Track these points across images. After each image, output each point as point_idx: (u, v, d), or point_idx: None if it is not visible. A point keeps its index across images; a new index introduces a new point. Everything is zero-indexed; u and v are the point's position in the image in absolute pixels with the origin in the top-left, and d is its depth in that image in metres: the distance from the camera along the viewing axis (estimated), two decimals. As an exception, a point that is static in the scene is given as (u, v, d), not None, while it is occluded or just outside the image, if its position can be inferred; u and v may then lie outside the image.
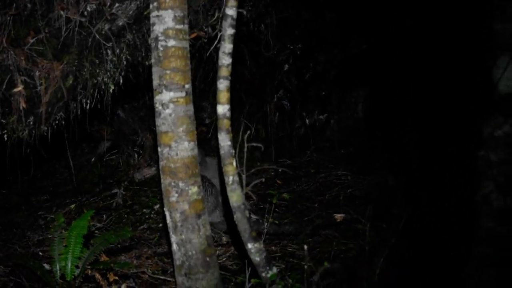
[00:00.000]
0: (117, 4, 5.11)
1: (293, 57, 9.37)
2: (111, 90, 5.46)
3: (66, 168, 8.94)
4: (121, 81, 5.51)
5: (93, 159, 9.01)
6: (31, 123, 4.92)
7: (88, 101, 5.38)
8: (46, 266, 4.86)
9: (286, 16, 8.39)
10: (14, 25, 4.74)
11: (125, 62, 5.40)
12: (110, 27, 5.15)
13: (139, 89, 6.73)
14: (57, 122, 5.14)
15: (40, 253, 5.87)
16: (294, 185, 8.03)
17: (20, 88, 4.72)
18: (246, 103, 9.17)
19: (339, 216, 6.89)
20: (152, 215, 7.32)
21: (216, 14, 5.84)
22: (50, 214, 7.47)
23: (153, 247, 6.19)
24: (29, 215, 7.58)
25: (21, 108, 4.77)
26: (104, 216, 7.21)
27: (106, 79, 5.35)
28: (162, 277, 5.28)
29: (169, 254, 5.63)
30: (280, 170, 8.68)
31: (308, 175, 8.54)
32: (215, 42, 5.59)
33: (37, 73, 4.80)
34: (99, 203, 7.78)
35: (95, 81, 5.28)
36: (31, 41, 4.79)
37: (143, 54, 5.58)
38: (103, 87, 5.39)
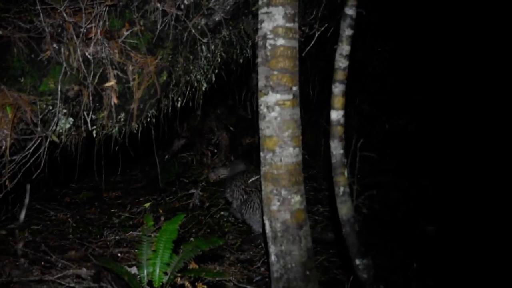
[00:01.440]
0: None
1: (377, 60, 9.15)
2: (203, 88, 5.29)
3: (138, 164, 8.84)
4: (214, 79, 5.32)
5: (166, 157, 8.89)
6: (122, 119, 4.78)
7: (180, 99, 5.21)
8: (132, 270, 4.71)
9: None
10: (109, 16, 4.61)
11: (219, 59, 5.23)
12: (206, 22, 4.99)
13: (229, 87, 6.54)
14: (148, 119, 4.97)
15: (119, 255, 5.75)
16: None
17: (112, 82, 4.59)
18: (325, 105, 8.96)
19: (429, 229, 6.65)
20: (230, 218, 7.15)
21: (314, 13, 5.64)
22: (124, 213, 7.37)
23: (235, 253, 6.04)
24: (102, 212, 7.49)
25: (112, 103, 4.64)
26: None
27: (199, 77, 5.19)
28: (248, 287, 5.06)
29: (253, 261, 5.48)
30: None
31: (388, 182, 8.25)
32: (312, 42, 5.39)
33: (131, 68, 4.66)
34: (175, 203, 7.67)
35: (188, 78, 5.13)
36: (126, 33, 4.66)
37: (238, 52, 5.44)
38: (195, 84, 5.23)
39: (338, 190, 3.78)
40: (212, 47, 5.07)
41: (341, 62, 3.75)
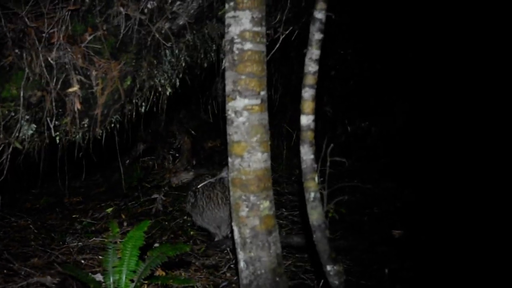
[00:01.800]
0: (178, 2, 4.93)
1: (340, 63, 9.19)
2: (167, 93, 5.25)
3: (99, 169, 8.75)
4: (178, 83, 5.28)
5: (128, 161, 8.81)
6: (86, 125, 4.73)
7: (144, 104, 5.17)
8: (97, 277, 4.65)
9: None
10: (72, 21, 4.57)
11: (183, 64, 5.20)
12: (170, 26, 4.97)
13: (193, 91, 6.50)
14: (112, 125, 4.91)
15: (83, 261, 5.68)
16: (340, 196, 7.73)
17: (75, 88, 4.54)
18: (288, 109, 8.94)
19: (397, 232, 6.67)
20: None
21: (279, 16, 5.64)
22: (86, 218, 7.29)
23: (200, 258, 5.99)
24: (64, 218, 7.39)
25: (75, 109, 4.59)
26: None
27: (163, 81, 5.15)
28: (216, 294, 5.04)
29: (219, 267, 5.46)
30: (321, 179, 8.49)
31: (353, 185, 8.28)
32: (277, 45, 5.39)
33: (94, 73, 4.61)
34: (138, 209, 7.60)
35: (152, 83, 5.09)
36: (89, 38, 4.62)
37: (202, 56, 5.40)
38: (159, 89, 5.18)
39: (308, 196, 3.77)
40: (176, 51, 5.03)
41: (311, 67, 3.74)
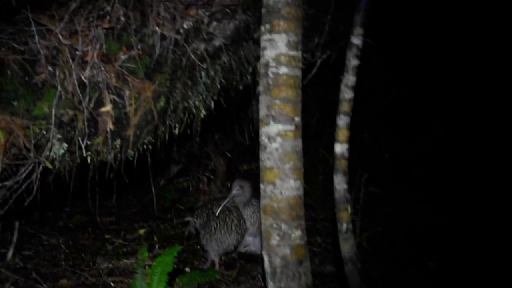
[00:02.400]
0: (215, 23, 4.87)
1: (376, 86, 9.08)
2: (202, 115, 5.17)
3: (133, 189, 8.70)
4: (213, 105, 5.19)
5: (162, 182, 8.75)
6: (118, 146, 4.66)
7: (177, 125, 5.09)
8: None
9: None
10: (106, 39, 4.52)
11: (218, 86, 5.11)
12: (206, 47, 4.89)
13: (228, 113, 6.41)
14: (144, 146, 4.84)
15: (112, 284, 5.62)
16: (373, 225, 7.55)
17: (108, 107, 4.47)
18: (324, 133, 8.83)
19: (432, 263, 6.51)
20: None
21: (316, 40, 5.55)
22: (118, 239, 7.23)
23: (231, 285, 5.89)
24: (96, 238, 7.35)
25: (108, 129, 4.52)
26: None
27: (197, 103, 5.07)
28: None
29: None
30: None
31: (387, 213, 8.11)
32: (314, 70, 5.29)
33: (127, 93, 4.55)
34: (170, 231, 7.52)
35: (186, 104, 5.01)
36: (123, 57, 4.56)
37: (238, 78, 5.31)
38: (193, 111, 5.10)
39: (341, 227, 3.66)
40: (212, 73, 4.96)
41: (346, 93, 3.64)
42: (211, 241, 6.21)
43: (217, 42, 4.90)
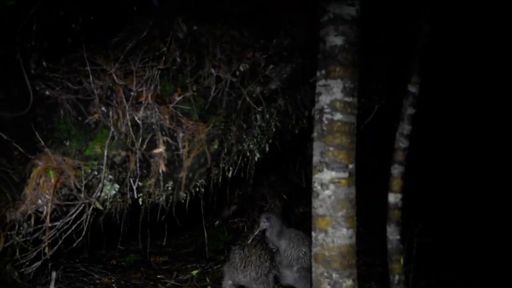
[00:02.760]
0: (271, 66, 4.82)
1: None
2: (256, 158, 5.09)
3: (186, 228, 8.64)
4: (267, 148, 5.11)
5: (217, 223, 8.68)
6: (170, 188, 4.62)
7: (231, 168, 5.02)
8: None
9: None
10: (161, 80, 4.50)
11: (273, 129, 5.03)
12: (262, 90, 4.84)
13: (283, 156, 6.33)
14: (197, 188, 4.78)
15: (163, 328, 5.50)
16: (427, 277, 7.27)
17: (161, 149, 4.44)
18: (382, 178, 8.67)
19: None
20: (280, 290, 6.90)
21: (374, 85, 5.45)
22: (170, 279, 7.15)
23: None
24: (148, 277, 7.28)
25: (160, 171, 4.47)
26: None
27: (252, 146, 5.00)
28: None
29: None
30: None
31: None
32: (370, 116, 5.19)
33: (181, 135, 4.51)
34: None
35: (240, 147, 4.94)
36: (178, 99, 4.54)
37: (294, 122, 5.23)
38: (248, 154, 5.03)
39: (393, 278, 3.54)
40: (267, 116, 4.90)
41: (402, 142, 3.54)
42: (235, 276, 6.13)
43: (273, 85, 4.84)
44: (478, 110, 9.46)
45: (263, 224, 6.20)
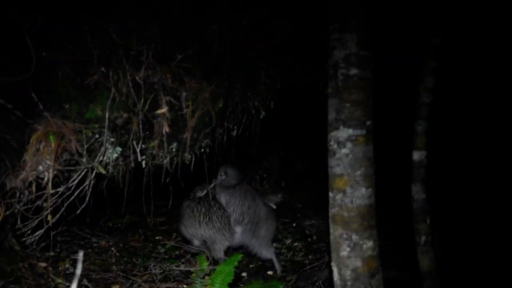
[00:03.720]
0: (275, 19, 4.63)
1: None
2: (261, 116, 4.95)
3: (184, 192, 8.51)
4: (272, 105, 4.97)
5: (214, 181, 8.54)
6: (174, 149, 4.46)
7: (235, 127, 4.87)
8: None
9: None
10: (162, 38, 4.27)
11: (279, 86, 4.88)
12: (265, 45, 4.66)
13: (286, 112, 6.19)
14: (202, 149, 4.64)
15: (167, 291, 5.40)
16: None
17: (164, 109, 4.28)
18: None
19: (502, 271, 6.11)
20: (283, 250, 6.84)
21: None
22: (170, 241, 7.06)
23: (292, 292, 5.62)
24: (146, 239, 7.20)
25: (164, 132, 4.32)
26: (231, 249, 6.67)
27: (256, 103, 4.84)
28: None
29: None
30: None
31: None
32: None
33: (184, 94, 4.35)
34: (226, 234, 7.30)
35: (245, 105, 4.78)
36: (179, 57, 4.32)
37: (299, 77, 5.06)
38: (253, 112, 4.88)
39: (419, 239, 3.43)
40: (272, 72, 4.71)
41: (425, 97, 3.41)
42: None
43: (277, 40, 4.66)
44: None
45: (220, 177, 6.23)
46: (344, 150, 3.56)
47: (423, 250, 3.47)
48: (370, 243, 3.63)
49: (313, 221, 8.08)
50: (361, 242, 3.61)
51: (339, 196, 3.61)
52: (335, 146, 3.59)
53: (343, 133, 3.56)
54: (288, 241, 7.18)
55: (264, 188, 8.27)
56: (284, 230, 7.48)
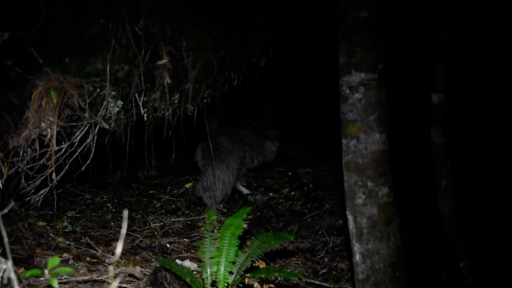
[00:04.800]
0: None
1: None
2: (262, 64, 4.92)
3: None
4: (272, 52, 4.94)
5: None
6: (176, 101, 4.45)
7: (236, 76, 4.85)
8: (185, 263, 4.43)
9: None
10: (161, -16, 4.24)
11: (279, 30, 4.85)
12: (267, -12, 4.62)
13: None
14: (205, 100, 4.62)
15: (168, 245, 5.46)
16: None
17: (165, 60, 4.25)
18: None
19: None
20: (280, 200, 6.87)
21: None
22: (165, 195, 7.10)
23: (294, 241, 5.64)
24: (140, 194, 7.20)
25: (165, 83, 4.30)
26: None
27: (256, 51, 4.81)
28: (316, 282, 4.70)
29: (314, 251, 5.18)
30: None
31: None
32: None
33: (185, 44, 4.30)
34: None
35: (246, 52, 4.75)
36: (179, 4, 4.27)
37: (300, 22, 5.03)
38: (253, 59, 4.85)
39: (440, 183, 3.42)
40: (272, 15, 4.68)
41: (444, 34, 3.36)
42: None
43: (277, -20, 4.63)
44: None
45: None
46: (356, 95, 3.54)
47: (444, 195, 3.49)
48: (385, 190, 3.63)
49: (308, 169, 8.13)
50: (376, 188, 3.60)
51: (352, 143, 3.60)
52: (347, 91, 3.57)
53: (355, 77, 3.53)
54: (286, 191, 7.22)
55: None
56: (280, 179, 7.50)
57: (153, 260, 4.77)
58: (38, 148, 4.00)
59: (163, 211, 6.55)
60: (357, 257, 3.67)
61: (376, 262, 3.61)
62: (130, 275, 4.47)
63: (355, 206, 3.60)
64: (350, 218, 3.64)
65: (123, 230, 1.66)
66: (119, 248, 1.89)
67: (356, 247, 3.65)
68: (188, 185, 7.30)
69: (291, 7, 4.80)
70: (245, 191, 7.02)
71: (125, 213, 1.77)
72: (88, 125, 4.13)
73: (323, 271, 5.03)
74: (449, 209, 3.41)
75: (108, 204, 6.59)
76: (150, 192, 7.26)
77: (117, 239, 5.46)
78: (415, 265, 4.90)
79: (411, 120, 6.44)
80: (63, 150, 4.15)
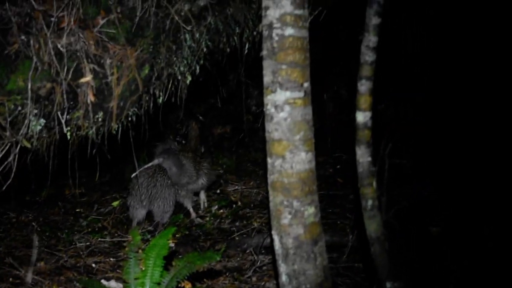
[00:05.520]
0: (198, -20, 4.52)
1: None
2: (187, 81, 4.86)
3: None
4: (198, 70, 4.88)
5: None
6: (100, 119, 4.34)
7: (162, 94, 4.78)
8: (111, 284, 4.32)
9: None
10: (83, 3, 4.16)
11: (204, 49, 4.79)
12: (190, 8, 4.58)
13: (211, 80, 6.11)
14: (129, 118, 4.53)
15: (94, 265, 5.34)
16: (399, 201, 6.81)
17: (88, 78, 4.15)
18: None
19: (435, 230, 6.22)
20: (208, 218, 6.85)
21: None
22: (91, 213, 6.96)
23: (221, 260, 5.56)
24: (66, 212, 7.06)
25: (89, 101, 4.20)
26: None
27: (182, 68, 4.74)
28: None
29: (242, 270, 5.15)
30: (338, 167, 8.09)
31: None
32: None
33: (108, 61, 4.22)
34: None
35: (171, 70, 4.68)
36: (102, 22, 4.20)
37: (224, 40, 4.98)
38: (179, 77, 4.78)
39: (365, 204, 3.39)
40: (197, 35, 4.63)
41: (368, 56, 3.35)
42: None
43: (202, 2, 4.59)
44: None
45: (157, 161, 6.66)
46: (282, 114, 3.47)
47: (369, 215, 3.45)
48: (311, 209, 3.57)
49: (237, 187, 8.07)
50: (302, 208, 3.53)
51: (278, 162, 3.53)
52: (273, 110, 3.51)
53: (281, 96, 3.46)
54: (214, 208, 7.15)
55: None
56: (209, 197, 7.43)
57: (76, 282, 4.64)
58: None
59: (90, 229, 6.41)
60: (284, 277, 3.59)
61: (302, 283, 3.54)
62: (54, 296, 4.35)
63: (281, 226, 3.53)
64: (276, 238, 3.57)
65: (33, 257, 1.58)
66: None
67: (282, 268, 3.58)
68: (115, 203, 7.17)
69: (215, 27, 4.75)
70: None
71: (35, 240, 1.68)
72: (9, 144, 3.98)
73: (253, 292, 4.98)
74: (374, 228, 3.38)
75: (33, 223, 6.42)
76: (77, 210, 7.11)
77: (41, 259, 5.32)
78: (342, 285, 4.93)
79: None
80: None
